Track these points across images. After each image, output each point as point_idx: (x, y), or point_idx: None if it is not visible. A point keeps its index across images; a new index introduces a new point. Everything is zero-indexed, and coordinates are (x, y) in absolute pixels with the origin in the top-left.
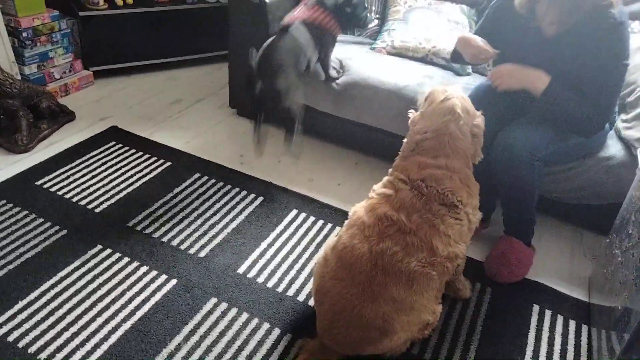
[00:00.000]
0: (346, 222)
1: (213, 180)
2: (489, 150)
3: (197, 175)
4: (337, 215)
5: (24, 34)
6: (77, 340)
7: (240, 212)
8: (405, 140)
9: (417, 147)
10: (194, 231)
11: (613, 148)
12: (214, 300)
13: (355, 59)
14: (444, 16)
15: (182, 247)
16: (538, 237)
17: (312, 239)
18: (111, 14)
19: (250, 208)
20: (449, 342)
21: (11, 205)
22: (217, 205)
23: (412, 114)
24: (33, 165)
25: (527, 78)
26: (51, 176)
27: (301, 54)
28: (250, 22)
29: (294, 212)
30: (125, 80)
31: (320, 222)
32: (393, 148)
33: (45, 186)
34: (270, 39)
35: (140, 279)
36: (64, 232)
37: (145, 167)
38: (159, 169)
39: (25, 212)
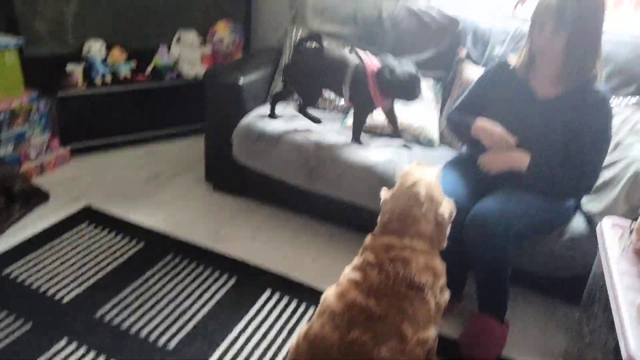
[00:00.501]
0: (317, 309)
1: (186, 261)
2: (462, 225)
3: (170, 256)
4: (311, 295)
5: (1, 116)
6: None
7: (213, 295)
8: (379, 218)
9: (385, 228)
10: (165, 319)
11: (575, 221)
12: None
13: (327, 135)
14: None
15: (151, 337)
16: (511, 310)
17: (286, 322)
18: (90, 93)
19: (223, 290)
20: None
21: None
22: (189, 289)
23: (384, 193)
24: (2, 251)
25: (511, 160)
26: (19, 263)
27: (330, 69)
28: (225, 101)
29: (268, 292)
30: (103, 156)
31: (294, 303)
32: (367, 221)
33: (12, 275)
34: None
35: None
36: (29, 325)
37: (118, 249)
38: (132, 251)
39: None
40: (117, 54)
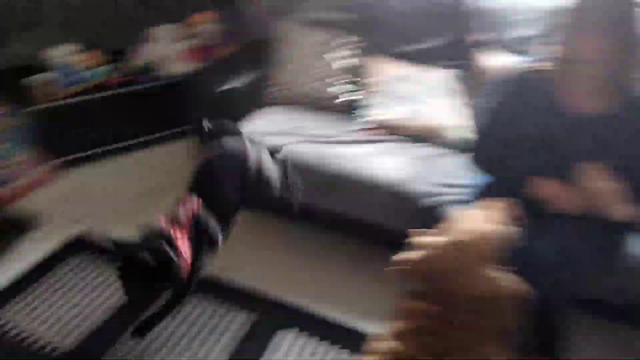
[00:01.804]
0: None
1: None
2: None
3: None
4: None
5: None
6: None
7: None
8: None
9: None
10: None
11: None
12: None
13: (338, 146)
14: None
15: None
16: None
17: None
18: (65, 103)
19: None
20: None
21: None
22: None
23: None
24: None
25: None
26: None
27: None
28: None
29: None
30: (92, 169)
31: None
32: None
33: None
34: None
35: None
36: None
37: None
38: None
39: None
40: (93, 58)
